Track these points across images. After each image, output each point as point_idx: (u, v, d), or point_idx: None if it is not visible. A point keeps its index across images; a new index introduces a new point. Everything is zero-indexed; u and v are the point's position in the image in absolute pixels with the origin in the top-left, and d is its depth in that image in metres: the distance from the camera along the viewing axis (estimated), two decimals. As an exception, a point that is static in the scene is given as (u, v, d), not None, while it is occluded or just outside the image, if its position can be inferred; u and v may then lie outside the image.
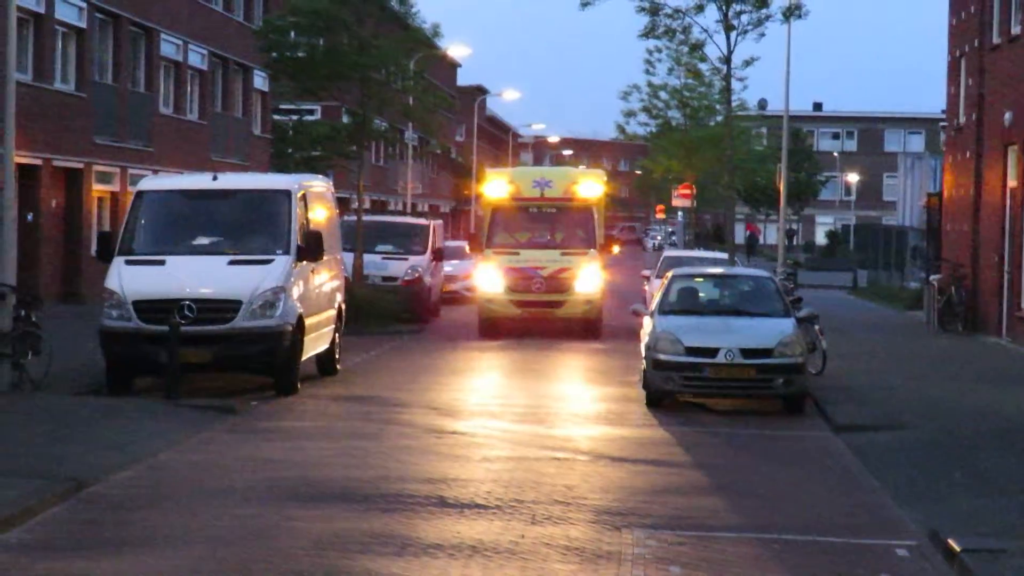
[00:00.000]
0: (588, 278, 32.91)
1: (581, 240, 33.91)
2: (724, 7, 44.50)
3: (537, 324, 32.01)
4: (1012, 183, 35.57)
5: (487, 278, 33.88)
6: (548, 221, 35.08)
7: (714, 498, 15.97)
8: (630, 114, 69.78)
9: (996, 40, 37.56)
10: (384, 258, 41.57)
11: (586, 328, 33.05)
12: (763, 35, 44.54)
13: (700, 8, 45.13)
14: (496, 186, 35.51)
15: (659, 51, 51.43)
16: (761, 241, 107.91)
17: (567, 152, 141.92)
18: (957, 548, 12.96)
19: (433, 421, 21.89)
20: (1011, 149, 35.61)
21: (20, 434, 18.11)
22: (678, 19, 45.79)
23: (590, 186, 35.18)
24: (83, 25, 42.29)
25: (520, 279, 32.91)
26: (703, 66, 50.03)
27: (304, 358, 24.53)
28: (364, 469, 17.39)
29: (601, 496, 15.96)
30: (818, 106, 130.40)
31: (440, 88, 54.31)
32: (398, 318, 37.90)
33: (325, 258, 25.71)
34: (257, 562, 12.43)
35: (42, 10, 39.14)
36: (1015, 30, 35.63)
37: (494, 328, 33.53)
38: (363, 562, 12.43)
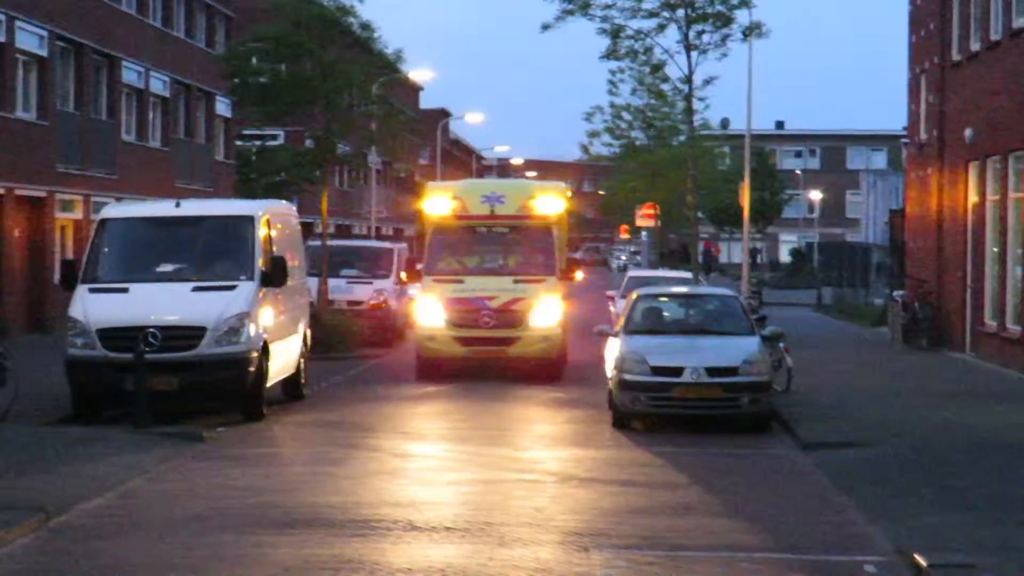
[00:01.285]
0: (546, 310, 28.46)
1: (538, 265, 29.48)
2: (685, 27, 44.75)
3: (485, 365, 28.58)
4: (974, 199, 35.74)
5: (426, 311, 29.25)
6: (500, 243, 30.35)
7: (683, 518, 15.98)
8: (594, 135, 70.00)
9: (957, 57, 37.76)
10: (349, 282, 41.58)
11: (545, 369, 28.78)
12: (725, 55, 44.87)
13: (662, 28, 45.40)
14: (438, 202, 30.83)
15: (622, 72, 51.55)
16: (723, 259, 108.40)
17: (531, 173, 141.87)
18: (924, 564, 13.07)
19: (400, 445, 21.89)
20: (972, 165, 35.79)
21: (-12, 465, 18.07)
22: (640, 40, 46.02)
23: (549, 201, 30.43)
24: (44, 54, 42.28)
25: (465, 312, 28.54)
26: (665, 86, 50.22)
27: (270, 384, 24.52)
28: (333, 494, 17.37)
29: (570, 517, 15.97)
30: (780, 124, 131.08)
31: (403, 111, 54.38)
32: (364, 342, 37.94)
33: (290, 283, 25.77)
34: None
35: (3, 39, 39.11)
36: (975, 47, 35.83)
37: (434, 370, 29.33)
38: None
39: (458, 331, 28.55)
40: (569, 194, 34.88)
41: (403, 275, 32.78)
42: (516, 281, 28.79)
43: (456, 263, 29.95)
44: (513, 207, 30.09)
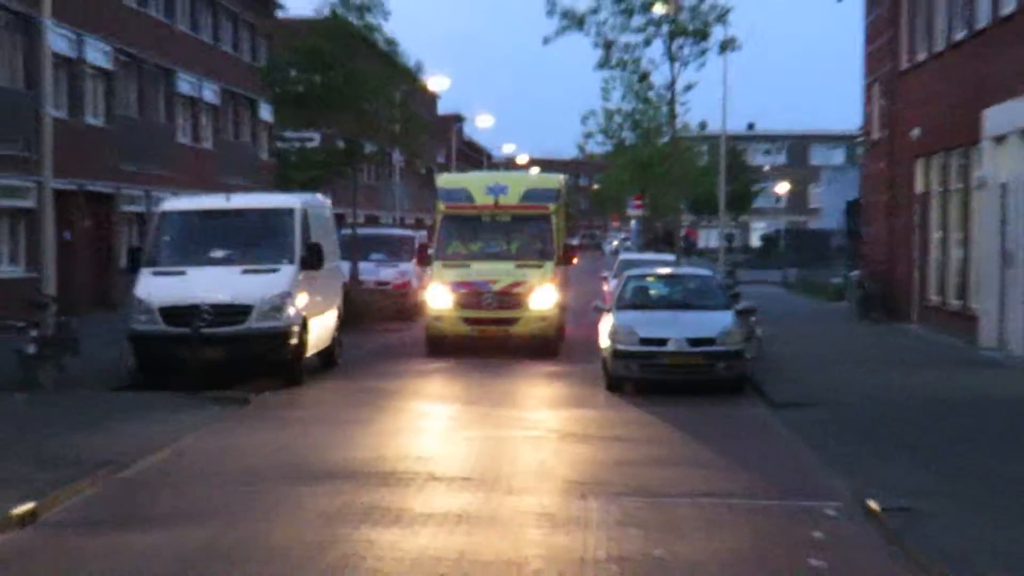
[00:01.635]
0: (543, 293, 27.30)
1: (538, 251, 28.32)
2: (668, 41, 44.64)
3: (489, 343, 27.41)
4: (920, 190, 35.76)
5: (434, 293, 27.96)
6: (503, 231, 29.06)
7: (668, 469, 16.06)
8: (589, 135, 69.67)
9: (905, 65, 37.71)
10: (377, 265, 41.64)
11: (542, 347, 27.74)
12: (703, 65, 44.60)
13: (648, 42, 45.27)
14: (448, 192, 30.30)
15: (613, 79, 51.31)
16: (701, 244, 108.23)
17: (534, 169, 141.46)
18: (876, 508, 13.15)
19: (420, 406, 21.95)
20: (919, 160, 35.79)
21: (62, 426, 18.11)
22: (629, 52, 45.94)
23: (547, 193, 29.80)
24: (110, 67, 42.25)
25: (469, 295, 27.33)
26: (651, 92, 50.07)
27: (308, 354, 24.59)
28: (362, 449, 17.46)
29: (569, 469, 16.08)
30: (751, 125, 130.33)
31: (421, 116, 54.31)
32: (390, 317, 37.98)
33: (325, 266, 25.88)
34: (271, 534, 12.49)
35: (74, 55, 39.10)
36: (921, 56, 35.80)
37: (442, 347, 28.13)
38: (364, 531, 12.52)
39: (463, 312, 27.48)
40: (566, 185, 33.26)
41: (415, 258, 30.83)
42: (517, 266, 27.58)
43: (463, 248, 28.81)
44: (515, 197, 29.24)
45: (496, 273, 27.31)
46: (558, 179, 32.15)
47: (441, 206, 29.91)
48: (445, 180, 31.84)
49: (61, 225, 36.07)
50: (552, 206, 28.99)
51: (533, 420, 20.33)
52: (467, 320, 27.35)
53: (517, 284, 27.11)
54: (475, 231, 29.22)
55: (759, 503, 14.03)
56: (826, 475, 15.44)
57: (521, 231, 28.89)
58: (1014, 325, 26.86)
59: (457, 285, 27.37)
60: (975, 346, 29.12)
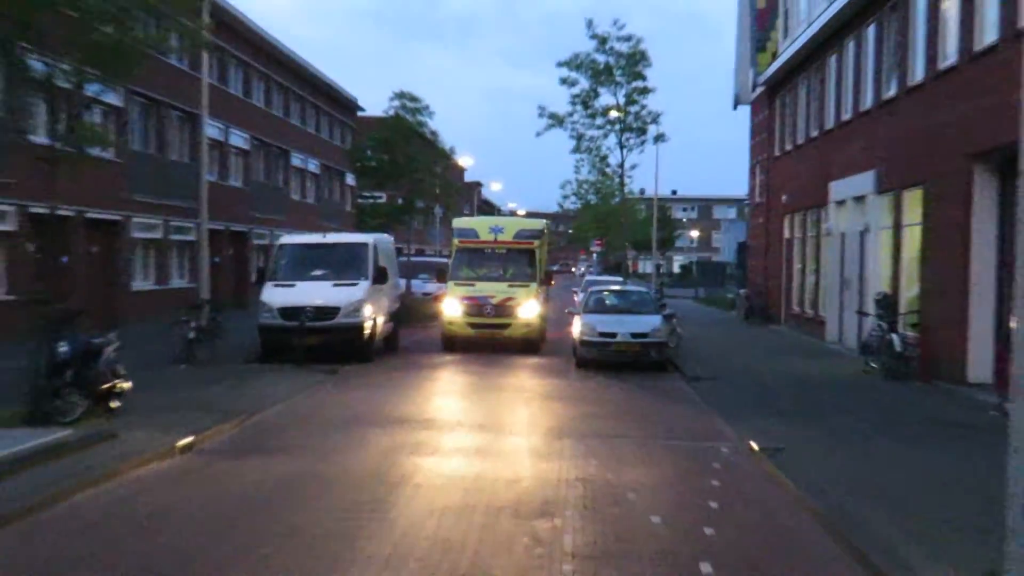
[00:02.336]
0: (529, 306, 26.19)
1: (525, 275, 27.06)
2: (619, 135, 44.87)
3: (488, 342, 26.12)
4: (787, 236, 35.82)
5: (449, 304, 26.51)
6: (500, 259, 27.75)
7: (616, 420, 16.08)
8: (566, 196, 70.61)
9: (777, 153, 37.79)
10: (423, 282, 41.81)
11: (527, 346, 26.43)
12: (642, 151, 45.05)
13: (606, 136, 45.54)
14: (461, 231, 28.77)
15: (582, 160, 51.45)
16: (640, 271, 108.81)
17: (524, 215, 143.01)
18: (755, 447, 13.22)
19: (451, 376, 21.95)
20: (786, 216, 35.87)
21: (212, 388, 18.12)
22: (593, 142, 46.19)
23: (533, 232, 28.54)
24: (246, 148, 42.41)
25: (474, 305, 26.07)
26: (609, 169, 50.32)
27: (376, 341, 24.63)
28: (411, 405, 17.49)
29: (550, 419, 16.11)
30: (674, 192, 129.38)
31: (454, 183, 54.56)
32: (431, 317, 38.00)
33: (389, 282, 25.96)
34: (349, 461, 12.55)
35: (222, 139, 39.25)
36: (787, 147, 35.89)
37: (453, 344, 26.57)
38: (412, 459, 12.58)
39: (469, 319, 26.07)
40: (548, 228, 31.82)
41: (435, 278, 29.83)
42: (510, 286, 26.49)
43: (471, 272, 27.34)
44: (509, 235, 28.09)
45: (494, 291, 26.31)
46: (542, 223, 31.08)
47: (456, 241, 28.52)
48: (459, 222, 30.54)
49: (212, 252, 36.12)
50: (537, 242, 28.09)
51: (524, 387, 20.18)
52: (471, 325, 26.10)
53: (509, 299, 26.05)
54: (480, 259, 27.77)
55: (678, 443, 14.10)
56: (722, 425, 15.47)
57: (513, 260, 27.65)
58: (847, 327, 27.03)
59: (465, 299, 26.21)
60: (823, 340, 29.17)
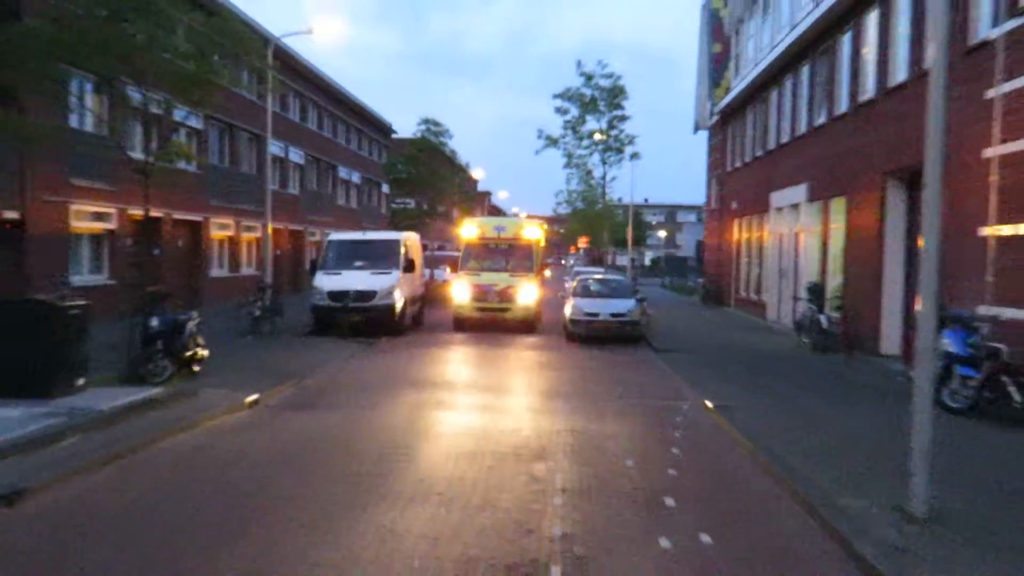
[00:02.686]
0: (527, 293, 25.03)
1: (524, 267, 25.78)
2: (602, 154, 44.82)
3: (492, 323, 24.98)
4: (736, 237, 35.78)
5: (460, 291, 25.37)
6: (503, 253, 26.32)
7: (599, 384, 16.03)
8: (559, 203, 70.54)
9: (729, 168, 37.72)
10: (443, 271, 41.76)
11: (526, 326, 25.21)
12: (620, 166, 44.86)
13: (591, 154, 45.47)
14: (470, 229, 27.13)
15: (572, 174, 51.46)
16: (617, 263, 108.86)
17: (526, 217, 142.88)
18: (710, 405, 13.20)
19: (466, 348, 21.91)
20: (735, 220, 35.82)
21: (273, 355, 18.15)
22: (581, 159, 46.16)
23: (531, 231, 27.07)
24: (303, 163, 42.36)
25: (480, 292, 24.95)
26: (593, 181, 50.28)
27: (407, 319, 24.64)
28: (434, 370, 17.46)
29: (544, 383, 16.05)
30: (646, 200, 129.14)
31: (469, 191, 54.58)
32: (449, 300, 38.01)
33: (416, 272, 25.86)
34: (383, 414, 12.57)
35: (283, 156, 39.22)
36: (737, 164, 35.81)
37: (463, 325, 25.36)
38: (434, 414, 12.60)
39: (476, 303, 24.94)
40: (543, 227, 30.27)
41: (448, 269, 28.09)
42: (511, 275, 25.25)
43: (478, 264, 25.92)
44: (511, 233, 26.79)
45: (498, 280, 25.10)
46: (538, 223, 29.42)
47: (465, 237, 27.10)
48: (468, 221, 28.77)
49: (274, 247, 36.12)
50: (535, 240, 26.91)
51: (524, 357, 20.08)
52: (478, 308, 24.93)
53: (510, 287, 24.89)
54: (485, 253, 26.29)
55: (648, 402, 14.06)
56: (684, 388, 15.43)
57: (514, 254, 26.25)
58: (783, 309, 26.98)
59: (473, 286, 25.03)
60: (764, 320, 29.14)
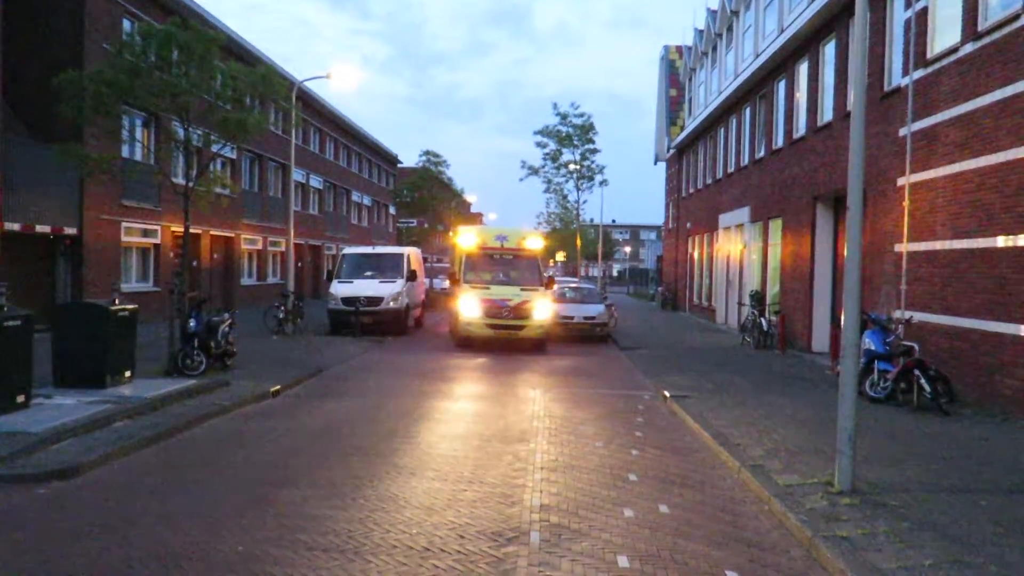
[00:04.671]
0: (542, 309, 20.45)
1: (534, 280, 21.23)
2: (576, 181, 44.78)
3: (501, 342, 20.49)
4: (690, 253, 35.86)
5: (468, 306, 20.33)
6: (507, 265, 21.92)
7: (572, 376, 16.01)
8: (539, 223, 70.45)
9: (684, 194, 37.84)
10: (440, 280, 41.64)
11: (536, 346, 20.71)
12: (591, 192, 44.77)
13: (567, 181, 45.44)
14: (468, 238, 22.03)
15: (551, 198, 51.50)
16: (589, 274, 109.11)
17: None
18: (667, 395, 13.14)
19: (464, 347, 21.75)
20: (690, 238, 35.89)
21: (295, 352, 18.06)
22: (558, 185, 46.15)
23: (534, 241, 22.27)
24: (322, 188, 42.23)
25: (493, 308, 20.14)
26: (568, 204, 50.29)
27: (410, 320, 24.52)
28: (437, 362, 17.37)
29: (526, 377, 16.03)
30: (614, 220, 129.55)
31: (464, 212, 54.53)
32: (446, 307, 37.92)
33: (418, 280, 25.63)
34: (389, 401, 12.48)
35: (304, 182, 39.08)
36: (691, 190, 35.91)
37: (469, 343, 20.64)
38: (434, 401, 12.51)
39: (488, 320, 20.09)
40: (544, 238, 25.41)
41: (448, 281, 22.59)
42: (522, 289, 20.65)
43: (482, 276, 21.24)
44: (513, 243, 21.96)
45: (510, 294, 20.44)
46: (539, 233, 24.93)
47: (463, 247, 22.10)
48: (465, 229, 23.48)
49: (296, 259, 35.98)
50: (537, 250, 22.26)
51: (510, 354, 20.01)
52: (490, 325, 20.10)
53: (525, 302, 20.19)
54: (489, 265, 21.67)
55: (615, 392, 14.03)
56: (644, 380, 15.41)
57: (519, 266, 21.75)
58: (731, 313, 27.04)
59: (483, 301, 20.20)
60: (714, 323, 29.19)
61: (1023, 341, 10.89)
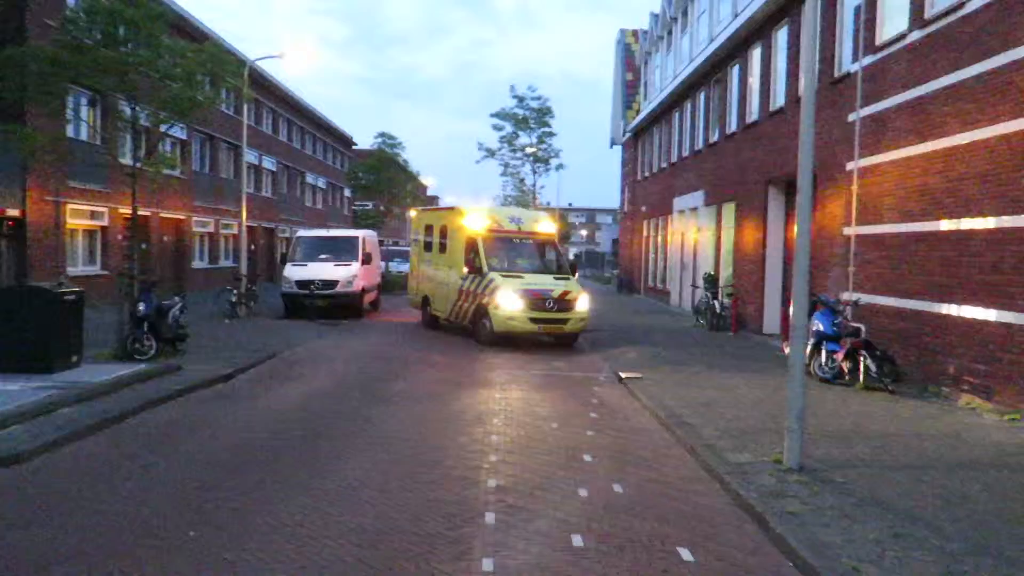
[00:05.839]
0: (584, 299, 17.67)
1: (562, 267, 18.89)
2: (532, 165, 44.79)
3: (540, 337, 17.93)
4: (645, 235, 36.12)
5: (506, 298, 17.13)
6: (528, 250, 19.02)
7: (533, 359, 16.00)
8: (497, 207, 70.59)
9: (639, 178, 38.05)
10: (397, 263, 41.43)
11: (569, 341, 18.03)
12: (548, 176, 44.74)
13: (523, 165, 45.42)
14: (476, 220, 18.73)
15: (507, 181, 51.24)
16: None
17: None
18: (622, 376, 13.25)
19: (420, 329, 21.63)
20: (645, 221, 36.14)
21: (249, 335, 17.82)
22: (515, 169, 46.11)
23: (547, 223, 19.76)
24: (275, 170, 41.56)
25: (537, 300, 17.05)
26: (525, 188, 50.20)
27: (366, 304, 24.34)
28: (391, 347, 17.24)
29: (483, 357, 16.01)
30: (570, 204, 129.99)
31: (420, 195, 54.23)
32: (402, 287, 37.73)
33: (373, 263, 25.46)
34: (347, 385, 12.39)
35: (257, 163, 38.42)
36: (646, 174, 36.13)
37: (496, 340, 17.57)
38: (390, 383, 12.39)
39: (532, 313, 17.07)
40: (555, 220, 22.32)
41: (466, 270, 18.27)
42: (556, 278, 17.95)
43: (505, 263, 18.26)
44: (528, 226, 19.31)
45: (548, 283, 17.59)
46: (551, 216, 21.30)
47: (471, 230, 18.64)
48: (471, 210, 19.53)
49: (249, 242, 35.44)
50: (553, 234, 19.76)
51: (465, 338, 19.60)
52: (534, 320, 17.16)
53: (567, 292, 17.42)
54: (509, 250, 18.67)
55: (571, 374, 14.06)
56: (600, 362, 15.51)
57: (541, 252, 19.22)
58: (685, 295, 27.34)
59: (525, 292, 17.15)
60: (669, 305, 29.51)
61: (966, 322, 11.22)
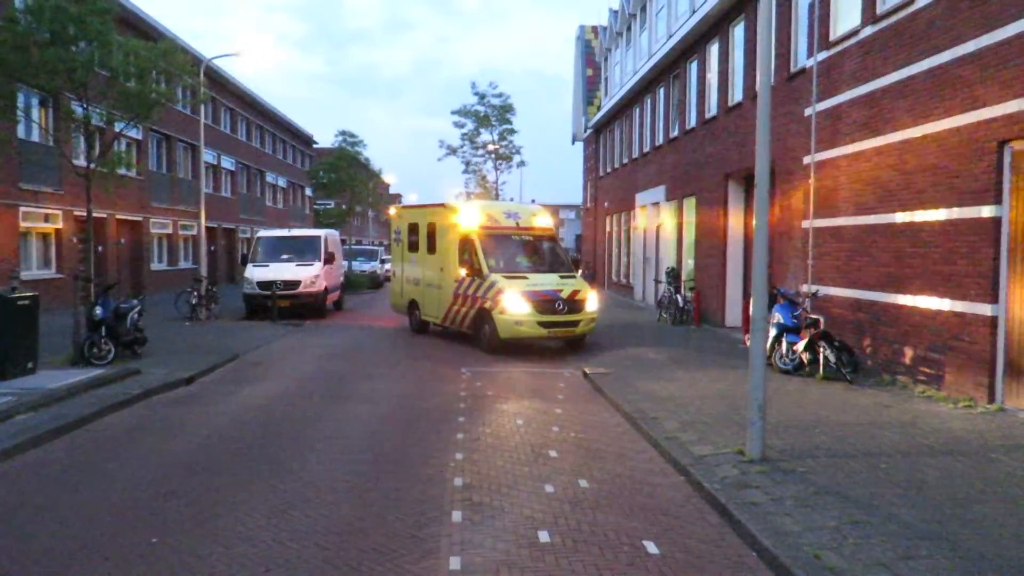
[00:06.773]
0: (592, 299, 16.31)
1: (565, 265, 17.28)
2: (494, 161, 44.79)
3: (547, 342, 17.08)
4: (608, 231, 36.31)
5: (512, 301, 15.48)
6: (529, 248, 17.27)
7: (499, 356, 16.06)
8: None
9: (602, 173, 38.23)
10: (360, 263, 41.15)
11: (576, 344, 16.58)
12: (510, 172, 44.73)
13: (485, 162, 45.40)
14: (468, 216, 16.97)
15: (470, 178, 51.19)
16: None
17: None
18: (588, 372, 13.32)
19: (385, 326, 21.55)
20: (607, 217, 36.33)
21: (209, 338, 17.60)
22: (476, 165, 46.10)
23: (546, 218, 18.09)
24: (234, 169, 41.03)
25: (546, 302, 15.53)
26: (487, 184, 50.18)
27: (329, 303, 24.16)
28: (355, 346, 17.12)
29: (448, 356, 15.97)
30: (533, 200, 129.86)
31: (382, 194, 53.96)
32: (366, 287, 37.51)
33: (336, 263, 25.32)
34: (310, 385, 12.30)
35: (216, 163, 37.90)
36: (608, 170, 36.32)
37: (507, 346, 16.10)
38: (355, 384, 12.32)
39: (541, 317, 15.47)
40: (551, 215, 19.36)
41: (463, 271, 16.55)
42: (561, 277, 16.43)
43: (505, 263, 16.58)
44: (527, 222, 17.59)
45: (555, 283, 16.10)
46: (547, 211, 18.98)
47: (463, 227, 16.99)
48: (463, 204, 17.96)
49: (209, 243, 34.99)
50: (552, 229, 18.08)
51: (431, 336, 19.80)
52: (543, 324, 15.56)
53: (576, 292, 15.99)
54: (507, 248, 16.91)
55: (536, 370, 14.10)
56: (565, 358, 15.60)
57: (542, 250, 17.50)
58: (648, 290, 27.54)
59: (532, 295, 15.59)
60: (632, 299, 29.70)
61: (920, 312, 11.47)
